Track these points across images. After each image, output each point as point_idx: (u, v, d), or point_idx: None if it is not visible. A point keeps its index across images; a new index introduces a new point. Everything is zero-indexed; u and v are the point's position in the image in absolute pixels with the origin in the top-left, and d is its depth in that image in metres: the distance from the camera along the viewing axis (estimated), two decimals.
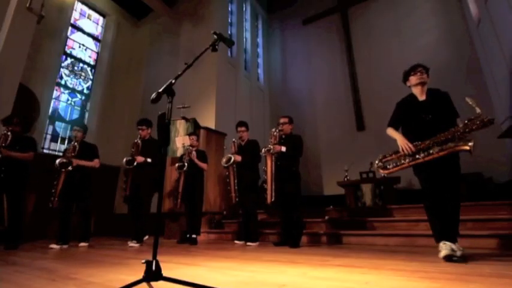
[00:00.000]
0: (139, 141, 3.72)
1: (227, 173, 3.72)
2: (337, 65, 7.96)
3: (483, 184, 4.99)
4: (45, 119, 5.86)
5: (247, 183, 3.60)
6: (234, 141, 3.82)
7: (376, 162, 2.31)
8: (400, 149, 2.17)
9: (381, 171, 2.28)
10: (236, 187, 3.63)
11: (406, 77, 2.34)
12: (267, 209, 4.46)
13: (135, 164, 3.51)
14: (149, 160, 3.59)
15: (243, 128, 3.80)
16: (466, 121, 2.03)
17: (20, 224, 3.28)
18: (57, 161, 3.36)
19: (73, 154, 3.45)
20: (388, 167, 2.25)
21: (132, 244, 3.43)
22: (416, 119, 2.19)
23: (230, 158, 3.62)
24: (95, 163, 3.61)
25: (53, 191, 3.34)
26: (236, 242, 3.59)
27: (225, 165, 3.65)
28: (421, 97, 2.24)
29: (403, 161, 2.17)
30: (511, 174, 4.94)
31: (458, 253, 1.86)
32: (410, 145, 2.11)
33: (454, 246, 1.92)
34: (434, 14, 6.80)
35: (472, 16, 5.58)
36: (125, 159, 3.53)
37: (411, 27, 7.03)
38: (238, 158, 3.63)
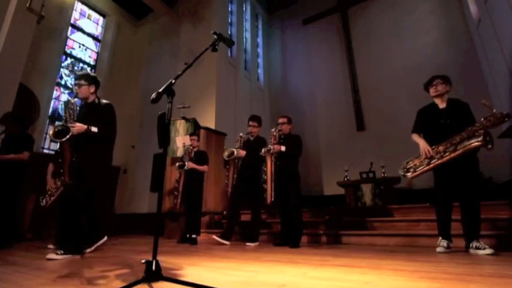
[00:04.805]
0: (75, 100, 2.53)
1: (227, 166, 3.64)
2: (337, 65, 7.97)
3: (483, 184, 4.98)
4: (45, 119, 5.85)
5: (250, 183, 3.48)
6: (240, 136, 3.67)
7: (402, 169, 2.54)
8: (421, 153, 2.42)
9: (407, 175, 2.50)
10: (234, 183, 3.57)
11: (426, 88, 2.57)
12: (267, 209, 4.46)
13: (69, 134, 2.23)
14: (94, 129, 2.42)
15: (255, 123, 3.60)
16: (482, 119, 2.20)
17: (11, 224, 3.19)
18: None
19: None
20: (410, 171, 2.48)
21: (52, 256, 2.13)
22: (436, 124, 2.42)
23: (233, 152, 3.48)
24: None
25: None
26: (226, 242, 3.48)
27: (227, 158, 3.52)
28: (442, 105, 2.47)
29: (423, 165, 2.39)
30: (511, 174, 4.94)
31: (488, 251, 2.05)
32: (429, 148, 2.35)
33: (445, 244, 2.26)
34: (434, 14, 6.80)
35: (472, 16, 5.58)
36: (54, 128, 2.27)
37: (411, 27, 7.03)
38: (242, 153, 3.48)
